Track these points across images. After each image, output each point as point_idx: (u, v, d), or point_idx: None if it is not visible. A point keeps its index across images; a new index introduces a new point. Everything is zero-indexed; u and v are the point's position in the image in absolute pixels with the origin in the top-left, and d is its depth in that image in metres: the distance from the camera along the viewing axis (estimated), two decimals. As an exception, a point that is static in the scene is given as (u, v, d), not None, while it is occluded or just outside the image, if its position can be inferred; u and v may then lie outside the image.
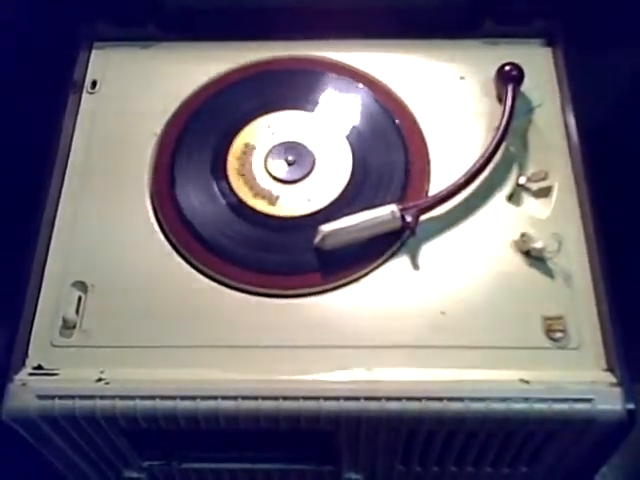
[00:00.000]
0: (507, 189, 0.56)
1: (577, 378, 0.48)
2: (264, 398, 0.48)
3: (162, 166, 0.58)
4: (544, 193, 0.56)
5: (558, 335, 0.50)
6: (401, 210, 0.53)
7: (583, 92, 0.59)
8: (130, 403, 0.48)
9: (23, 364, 0.50)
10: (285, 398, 0.48)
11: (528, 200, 0.56)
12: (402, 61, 0.63)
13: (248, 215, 0.55)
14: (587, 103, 0.58)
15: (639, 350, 0.50)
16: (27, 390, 0.48)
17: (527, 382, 0.48)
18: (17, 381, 0.49)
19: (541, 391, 0.47)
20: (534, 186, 0.56)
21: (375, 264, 0.53)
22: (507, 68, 0.59)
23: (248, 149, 0.59)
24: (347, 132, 0.59)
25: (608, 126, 0.71)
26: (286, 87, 0.61)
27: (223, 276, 0.53)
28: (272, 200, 0.56)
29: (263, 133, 0.59)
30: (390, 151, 0.58)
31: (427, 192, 0.56)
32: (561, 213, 0.55)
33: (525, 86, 0.59)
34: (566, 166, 0.57)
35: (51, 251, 0.54)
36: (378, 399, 0.47)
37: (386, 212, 0.53)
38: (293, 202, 0.56)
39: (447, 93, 0.61)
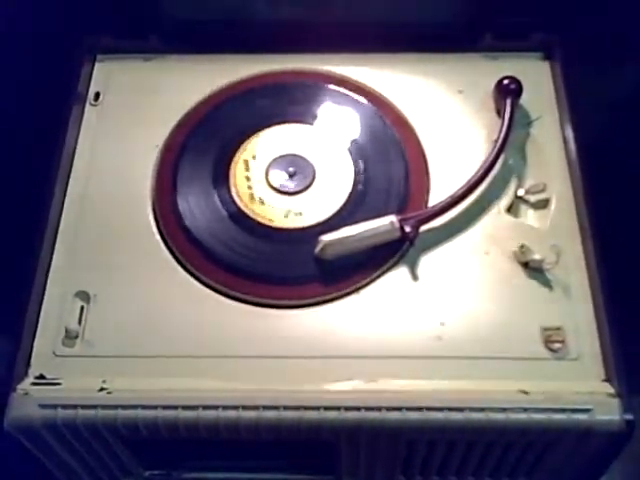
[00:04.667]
0: (506, 201, 0.57)
1: (576, 389, 0.48)
2: (265, 408, 0.48)
3: (164, 177, 0.58)
4: (542, 205, 0.56)
5: (557, 346, 0.50)
6: (400, 221, 0.53)
7: (581, 105, 0.59)
8: (132, 412, 0.48)
9: (26, 374, 0.50)
10: (286, 408, 0.48)
11: (527, 212, 0.57)
12: (402, 74, 0.63)
13: (249, 226, 0.56)
14: (585, 116, 0.59)
15: (637, 361, 0.50)
16: (30, 399, 0.49)
17: (526, 392, 0.48)
18: (20, 390, 0.49)
19: (540, 401, 0.48)
20: (532, 198, 0.57)
21: (375, 275, 0.53)
22: (506, 82, 0.59)
23: (250, 161, 0.59)
24: (348, 144, 0.60)
25: (606, 138, 0.72)
26: (287, 100, 0.62)
27: (224, 286, 0.53)
28: (273, 211, 0.56)
29: (264, 145, 0.60)
30: (390, 163, 0.58)
31: (426, 203, 0.57)
32: (559, 225, 0.55)
33: (523, 99, 0.60)
34: (564, 178, 0.57)
35: (54, 261, 0.55)
36: (378, 409, 0.48)
37: (385, 223, 0.53)
38: (294, 213, 0.56)
39: (446, 106, 0.62)
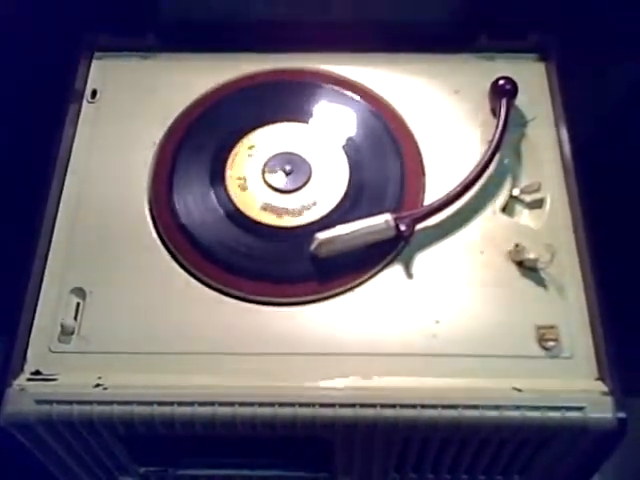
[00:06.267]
0: (501, 200, 0.57)
1: (569, 387, 0.49)
2: (260, 404, 0.48)
3: (161, 175, 0.59)
4: (537, 204, 0.57)
5: (551, 344, 0.51)
6: (395, 219, 0.53)
7: (576, 105, 0.60)
8: (127, 409, 0.48)
9: (22, 369, 0.50)
10: (281, 404, 0.48)
11: (521, 211, 0.57)
12: (398, 74, 0.63)
13: (245, 224, 0.56)
14: (580, 116, 0.59)
15: (631, 359, 0.50)
16: (25, 395, 0.49)
17: (520, 390, 0.48)
18: (15, 386, 0.49)
19: (533, 399, 0.48)
20: (527, 198, 0.57)
21: (370, 273, 0.53)
22: (501, 82, 0.60)
23: (246, 159, 0.59)
24: (343, 143, 0.60)
25: (600, 139, 0.72)
26: (284, 99, 0.62)
27: (220, 284, 0.53)
28: (269, 209, 0.57)
29: (261, 144, 0.60)
30: (386, 162, 0.59)
31: (422, 202, 0.57)
32: (554, 224, 0.56)
33: (519, 100, 0.60)
34: (559, 178, 0.58)
35: (50, 258, 0.55)
36: (373, 406, 0.48)
37: (380, 221, 0.53)
38: (290, 212, 0.57)
39: (442, 106, 0.62)
